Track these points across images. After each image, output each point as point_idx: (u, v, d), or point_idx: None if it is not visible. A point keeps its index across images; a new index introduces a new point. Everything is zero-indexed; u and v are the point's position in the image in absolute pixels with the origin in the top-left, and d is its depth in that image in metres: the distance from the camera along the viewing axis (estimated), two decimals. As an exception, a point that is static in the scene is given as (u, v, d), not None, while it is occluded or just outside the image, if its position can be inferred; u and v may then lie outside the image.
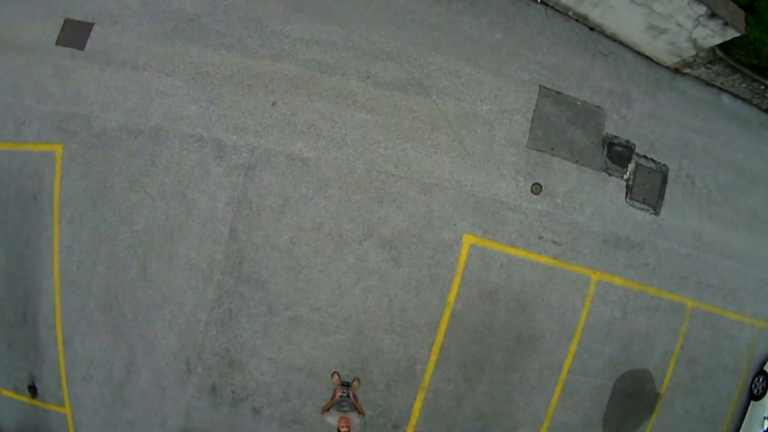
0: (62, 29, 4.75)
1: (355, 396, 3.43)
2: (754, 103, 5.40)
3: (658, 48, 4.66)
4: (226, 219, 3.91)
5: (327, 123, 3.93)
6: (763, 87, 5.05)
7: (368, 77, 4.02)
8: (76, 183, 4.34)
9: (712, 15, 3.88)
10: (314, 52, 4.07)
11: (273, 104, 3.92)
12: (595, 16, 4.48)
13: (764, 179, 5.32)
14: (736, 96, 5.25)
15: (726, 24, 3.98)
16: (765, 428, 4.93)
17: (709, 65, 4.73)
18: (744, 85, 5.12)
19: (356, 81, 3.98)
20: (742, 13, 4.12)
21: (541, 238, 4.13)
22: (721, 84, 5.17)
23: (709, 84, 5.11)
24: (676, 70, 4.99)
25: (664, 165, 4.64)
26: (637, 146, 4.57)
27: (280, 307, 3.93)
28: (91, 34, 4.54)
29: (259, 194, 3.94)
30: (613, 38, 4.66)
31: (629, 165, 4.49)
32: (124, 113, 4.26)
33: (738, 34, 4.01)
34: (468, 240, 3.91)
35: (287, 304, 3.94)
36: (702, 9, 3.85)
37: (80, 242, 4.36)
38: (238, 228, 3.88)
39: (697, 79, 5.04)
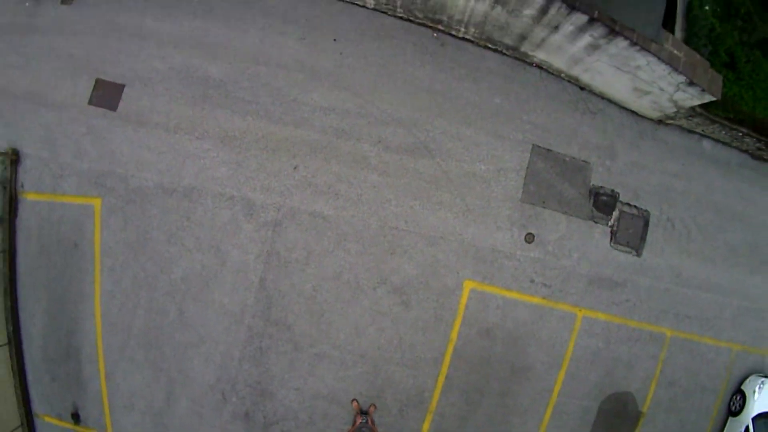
0: (94, 89, 5.86)
1: (372, 420, 4.70)
2: (734, 145, 6.68)
3: (643, 105, 5.86)
4: (256, 269, 5.17)
5: (344, 184, 5.17)
6: (741, 133, 6.30)
7: (380, 142, 5.25)
8: (116, 234, 5.53)
9: (691, 83, 5.05)
10: (331, 119, 5.26)
11: (295, 167, 5.15)
12: (585, 78, 5.67)
13: (743, 216, 6.67)
14: (716, 140, 6.51)
15: (704, 90, 5.15)
16: None
17: (689, 117, 5.94)
18: (723, 132, 6.37)
19: (369, 145, 5.21)
20: (719, 79, 5.29)
21: (533, 281, 5.45)
22: (702, 131, 6.41)
23: (690, 131, 6.35)
24: (659, 122, 6.23)
25: (646, 210, 5.92)
26: (621, 195, 5.84)
27: (305, 345, 5.23)
28: (123, 95, 5.66)
29: (285, 248, 5.21)
30: (602, 96, 5.85)
31: (614, 213, 5.77)
32: (158, 172, 5.44)
33: (715, 99, 5.19)
34: (468, 285, 5.24)
35: (311, 342, 5.27)
36: (681, 78, 5.02)
37: (121, 288, 5.59)
38: (267, 277, 5.15)
39: (679, 127, 6.28)
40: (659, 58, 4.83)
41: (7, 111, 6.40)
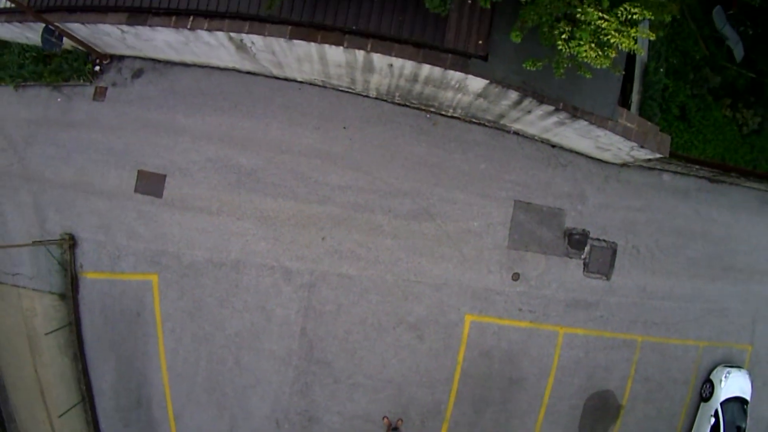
0: (138, 179, 8.50)
1: (401, 432, 7.78)
2: (692, 174, 9.66)
3: (606, 156, 8.75)
4: (297, 322, 8.07)
5: (363, 249, 8.01)
6: (696, 167, 9.25)
7: (390, 211, 8.07)
8: (174, 302, 8.34)
9: (642, 147, 7.88)
10: (348, 195, 8.03)
11: (323, 238, 7.96)
12: (555, 140, 8.50)
13: (701, 233, 9.76)
14: (675, 172, 9.45)
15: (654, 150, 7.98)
16: (712, 423, 9.72)
17: (648, 162, 8.83)
18: (679, 167, 9.31)
19: (381, 215, 8.03)
20: (668, 140, 8.09)
21: (520, 309, 8.45)
22: (661, 167, 9.32)
23: (650, 168, 9.25)
24: (622, 165, 9.10)
25: (614, 242, 8.90)
26: (591, 232, 8.79)
27: (342, 377, 8.22)
28: (166, 184, 8.30)
29: (319, 303, 8.11)
30: (570, 150, 8.67)
31: (585, 248, 8.74)
32: (207, 250, 8.19)
33: (665, 155, 8.01)
34: (469, 318, 8.22)
35: (347, 374, 8.26)
36: (634, 143, 7.82)
37: (183, 345, 8.45)
38: (307, 327, 8.05)
39: (641, 167, 9.16)
40: (614, 132, 7.66)
41: (57, 200, 9.08)
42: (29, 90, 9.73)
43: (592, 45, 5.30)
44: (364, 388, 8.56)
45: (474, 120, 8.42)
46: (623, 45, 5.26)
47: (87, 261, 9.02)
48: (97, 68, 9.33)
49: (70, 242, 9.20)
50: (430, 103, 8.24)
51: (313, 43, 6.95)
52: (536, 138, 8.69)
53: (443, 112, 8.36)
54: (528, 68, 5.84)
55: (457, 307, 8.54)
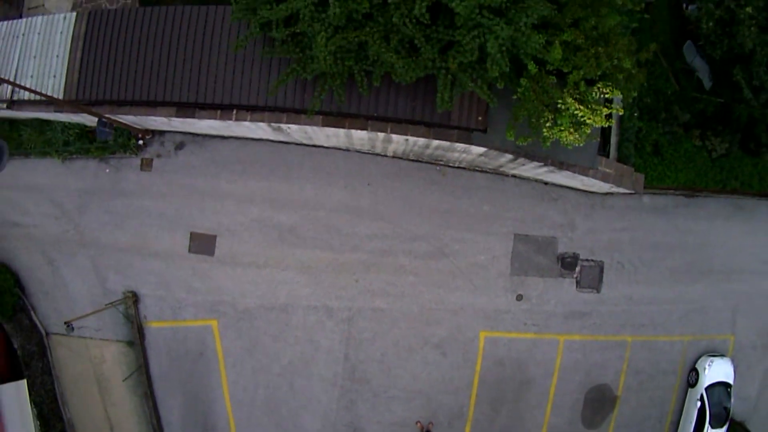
0: (191, 240, 12.07)
1: (432, 433, 11.85)
2: (669, 194, 13.58)
3: (592, 189, 12.51)
4: (340, 349, 11.97)
5: (391, 286, 11.84)
6: (671, 192, 13.16)
7: (410, 253, 11.85)
8: (233, 342, 12.10)
9: (606, 179, 11.68)
10: (375, 243, 11.76)
11: (356, 280, 11.75)
12: (547, 179, 12.21)
13: (679, 243, 13.76)
14: (654, 194, 13.34)
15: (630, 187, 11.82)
16: (698, 406, 14.00)
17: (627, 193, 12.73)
18: (657, 191, 13.21)
19: (403, 257, 11.81)
20: (642, 178, 11.88)
21: (525, 324, 12.44)
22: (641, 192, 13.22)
23: (631, 194, 13.10)
24: (607, 194, 12.92)
25: (601, 261, 12.82)
26: (581, 254, 12.68)
27: (381, 392, 12.21)
28: (216, 243, 11.89)
29: (358, 333, 11.99)
30: (561, 186, 12.42)
31: (576, 268, 12.65)
32: (258, 298, 11.89)
33: (639, 192, 11.84)
34: (483, 334, 12.19)
35: (384, 389, 12.24)
36: (612, 184, 11.58)
37: (243, 377, 12.28)
38: (348, 353, 11.95)
39: (623, 194, 13.00)
40: (595, 177, 11.39)
41: (116, 262, 12.60)
42: (76, 162, 13.08)
43: (571, 130, 8.91)
44: (398, 399, 12.56)
45: (477, 169, 12.07)
46: (596, 123, 8.87)
47: (150, 313, 12.67)
48: (141, 142, 12.69)
49: (133, 298, 12.79)
50: (439, 160, 11.88)
51: (341, 129, 10.47)
52: (531, 179, 12.40)
53: (450, 165, 12.01)
54: (520, 144, 9.44)
55: (472, 327, 12.52)
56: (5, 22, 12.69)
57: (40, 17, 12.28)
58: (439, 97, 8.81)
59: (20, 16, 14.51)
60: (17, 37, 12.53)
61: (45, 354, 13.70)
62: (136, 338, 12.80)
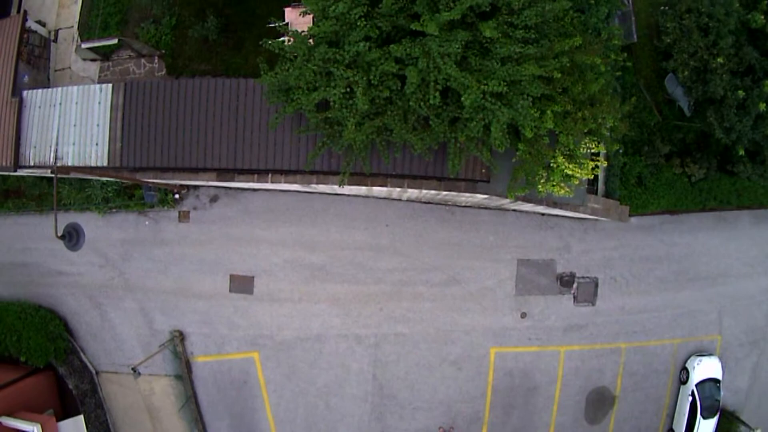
0: (231, 282, 15.80)
1: (453, 438, 15.97)
2: (656, 213, 17.57)
3: (584, 216, 16.38)
4: (369, 370, 15.97)
5: (411, 312, 15.77)
6: (658, 213, 17.15)
7: (427, 282, 15.74)
8: (274, 370, 15.99)
9: (596, 213, 15.55)
10: (395, 275, 15.64)
11: (381, 309, 15.66)
12: (544, 212, 16.05)
13: (666, 256, 17.82)
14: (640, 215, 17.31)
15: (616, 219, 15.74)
16: (690, 401, 18.33)
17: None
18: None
19: (421, 286, 15.73)
20: (627, 210, 15.81)
21: (530, 338, 16.50)
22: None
23: (620, 216, 17.06)
24: (597, 219, 16.83)
25: (595, 277, 16.84)
26: (577, 273, 16.66)
27: (406, 404, 16.28)
28: (254, 283, 15.64)
29: (384, 355, 15.98)
30: (556, 215, 16.26)
31: (573, 285, 16.62)
32: (294, 330, 15.75)
33: (624, 221, 15.80)
34: (493, 350, 16.26)
35: (409, 402, 16.28)
36: (600, 216, 15.46)
37: (284, 399, 16.21)
38: (377, 373, 15.97)
39: (612, 216, 17.00)
40: (584, 213, 15.27)
41: (161, 304, 16.26)
42: (116, 215, 16.54)
43: (562, 185, 12.63)
44: (422, 410, 16.54)
45: (481, 207, 15.82)
46: (584, 176, 12.62)
47: (197, 348, 16.37)
48: (177, 197, 16.16)
49: (180, 337, 16.47)
50: (448, 202, 15.60)
51: (363, 186, 14.07)
52: (529, 212, 16.18)
53: (458, 205, 15.75)
54: (518, 194, 13.13)
55: (483, 344, 16.42)
56: (40, 91, 15.96)
57: (75, 87, 15.55)
58: (450, 164, 12.43)
59: (48, 78, 17.74)
60: (54, 105, 15.83)
61: (96, 391, 17.40)
62: (184, 372, 16.52)
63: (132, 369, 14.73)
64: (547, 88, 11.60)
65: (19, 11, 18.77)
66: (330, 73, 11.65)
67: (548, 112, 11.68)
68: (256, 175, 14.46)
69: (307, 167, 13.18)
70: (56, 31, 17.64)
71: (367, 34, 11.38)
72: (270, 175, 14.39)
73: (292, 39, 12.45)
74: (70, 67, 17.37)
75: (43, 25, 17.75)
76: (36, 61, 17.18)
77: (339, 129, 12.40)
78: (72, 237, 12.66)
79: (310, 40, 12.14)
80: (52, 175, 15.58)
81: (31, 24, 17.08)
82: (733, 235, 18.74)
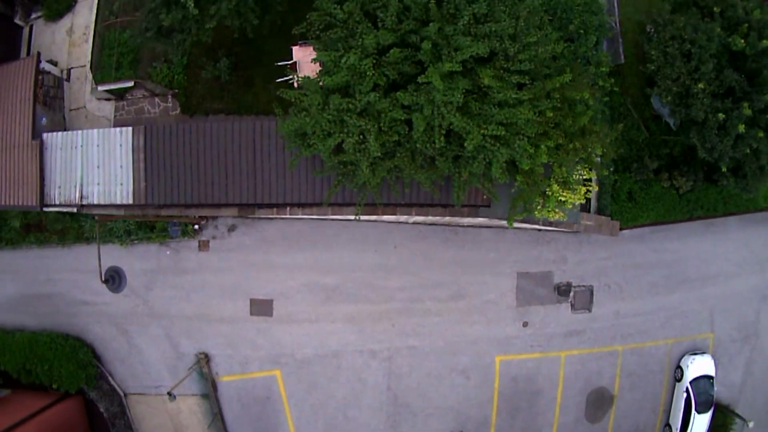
0: (251, 305, 18.66)
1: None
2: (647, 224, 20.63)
3: (579, 230, 19.46)
4: (384, 382, 19.00)
5: (421, 327, 18.76)
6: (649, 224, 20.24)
7: (434, 298, 18.70)
8: (294, 386, 18.94)
9: (589, 230, 18.59)
10: (405, 293, 18.60)
11: (393, 325, 18.63)
12: (538, 227, 19.04)
13: (656, 262, 20.91)
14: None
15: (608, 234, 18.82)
16: (685, 397, 21.62)
17: (607, 224, 19.65)
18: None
19: (429, 302, 18.71)
20: (617, 224, 18.79)
21: (532, 346, 19.56)
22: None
23: (613, 227, 20.08)
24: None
25: (591, 285, 19.90)
26: (573, 282, 19.70)
27: (419, 411, 19.34)
28: (273, 306, 18.52)
29: (398, 367, 19.00)
30: (552, 230, 19.26)
31: (570, 294, 19.66)
32: (313, 348, 18.70)
33: (615, 236, 18.90)
34: (498, 358, 19.31)
35: (422, 409, 19.33)
36: (592, 232, 18.58)
37: (305, 412, 19.19)
38: (391, 385, 19.01)
39: (605, 228, 19.99)
40: (578, 230, 18.26)
41: (186, 329, 19.08)
42: (138, 247, 19.22)
43: (557, 210, 15.59)
44: (434, 416, 19.53)
45: (483, 226, 18.72)
46: (577, 200, 15.56)
47: (221, 369, 19.20)
48: (197, 227, 18.85)
49: (206, 358, 19.28)
50: (451, 223, 18.51)
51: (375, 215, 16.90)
52: (527, 228, 19.12)
53: (461, 225, 18.64)
54: (516, 218, 16.04)
55: (489, 353, 19.38)
56: (60, 134, 18.52)
57: (96, 131, 18.09)
58: (455, 196, 15.18)
59: (63, 118, 20.18)
60: (76, 147, 18.43)
61: (125, 412, 20.21)
62: (210, 391, 19.36)
63: (168, 393, 17.49)
64: (541, 126, 14.43)
65: (29, 51, 21.25)
66: (343, 120, 14.39)
67: (542, 146, 14.50)
68: (275, 209, 17.23)
69: (325, 203, 15.94)
70: (69, 70, 20.13)
71: (376, 82, 14.12)
72: (288, 209, 17.17)
73: (302, 83, 15.13)
74: (85, 107, 19.89)
75: (55, 64, 20.19)
76: (51, 101, 19.66)
77: (353, 168, 15.16)
78: (115, 280, 15.43)
79: (321, 83, 14.81)
80: (75, 211, 18.37)
81: (44, 65, 19.50)
82: (721, 238, 21.84)
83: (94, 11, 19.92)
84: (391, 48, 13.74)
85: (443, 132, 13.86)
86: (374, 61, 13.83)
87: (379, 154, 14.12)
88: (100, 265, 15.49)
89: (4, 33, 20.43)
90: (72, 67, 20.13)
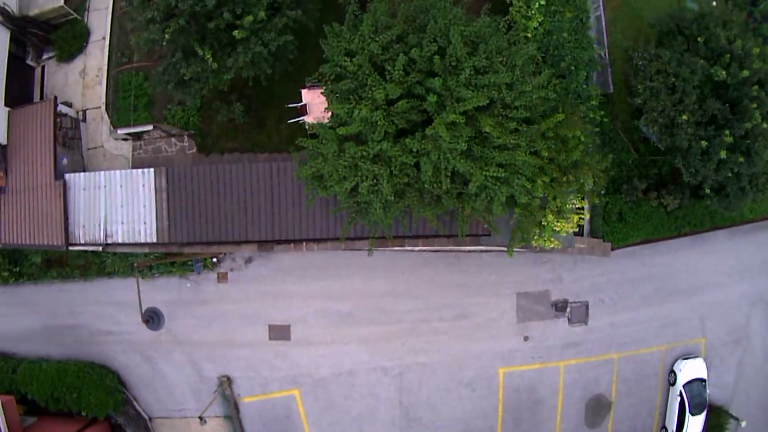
0: (269, 331, 22.07)
1: (472, 447, 22.88)
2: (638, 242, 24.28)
3: (573, 253, 22.98)
4: (396, 397, 22.59)
5: (429, 345, 22.33)
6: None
7: (440, 318, 22.25)
8: (313, 404, 22.45)
9: (582, 252, 22.21)
10: (413, 315, 22.14)
11: (403, 344, 22.18)
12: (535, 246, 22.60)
13: (648, 276, 24.55)
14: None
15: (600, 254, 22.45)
16: (679, 400, 25.48)
17: (601, 242, 23.24)
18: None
19: (436, 322, 22.27)
20: (608, 245, 22.33)
21: (532, 357, 23.22)
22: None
23: (605, 245, 23.69)
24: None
25: (586, 301, 23.58)
26: (569, 299, 23.34)
27: (429, 423, 23.01)
28: (291, 331, 21.98)
29: (408, 383, 22.59)
30: (548, 251, 22.85)
31: (567, 309, 23.29)
32: (329, 367, 22.20)
33: (607, 256, 22.54)
34: (501, 370, 22.97)
35: (432, 422, 22.95)
36: (585, 253, 22.15)
37: (323, 428, 22.74)
38: (402, 399, 22.61)
39: (598, 246, 23.58)
40: (572, 253, 21.85)
41: (208, 355, 22.44)
42: (159, 280, 22.41)
43: (552, 239, 19.10)
44: (444, 428, 23.08)
45: (483, 250, 22.20)
46: (570, 229, 19.06)
47: (243, 390, 22.56)
48: (215, 260, 22.09)
49: (228, 381, 22.63)
50: (454, 249, 22.01)
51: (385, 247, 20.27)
52: (525, 249, 22.67)
53: (463, 250, 22.11)
54: (515, 246, 19.50)
55: (493, 366, 22.95)
56: (83, 174, 21.55)
57: (119, 172, 21.17)
58: (459, 230, 18.51)
59: (81, 157, 23.13)
60: (99, 188, 21.51)
61: (151, 434, 23.64)
62: (233, 412, 22.73)
63: (199, 417, 20.77)
64: (537, 164, 17.80)
65: (42, 91, 24.09)
66: (357, 165, 17.66)
67: (539, 181, 17.90)
68: (292, 244, 20.52)
69: (341, 240, 19.25)
70: (84, 111, 23.05)
71: (386, 130, 17.36)
72: (305, 244, 20.48)
73: (318, 132, 18.33)
74: (102, 146, 22.88)
75: (70, 105, 23.07)
76: (70, 142, 22.59)
77: (366, 206, 18.49)
78: (154, 320, 18.75)
79: (335, 131, 17.99)
80: (100, 250, 21.56)
81: (61, 107, 22.41)
82: (709, 250, 25.52)
83: (106, 53, 22.87)
84: (399, 99, 16.95)
85: (448, 174, 17.16)
86: (384, 113, 17.03)
87: (392, 197, 17.38)
88: (140, 307, 18.75)
89: (17, 74, 23.20)
90: (87, 108, 23.10)
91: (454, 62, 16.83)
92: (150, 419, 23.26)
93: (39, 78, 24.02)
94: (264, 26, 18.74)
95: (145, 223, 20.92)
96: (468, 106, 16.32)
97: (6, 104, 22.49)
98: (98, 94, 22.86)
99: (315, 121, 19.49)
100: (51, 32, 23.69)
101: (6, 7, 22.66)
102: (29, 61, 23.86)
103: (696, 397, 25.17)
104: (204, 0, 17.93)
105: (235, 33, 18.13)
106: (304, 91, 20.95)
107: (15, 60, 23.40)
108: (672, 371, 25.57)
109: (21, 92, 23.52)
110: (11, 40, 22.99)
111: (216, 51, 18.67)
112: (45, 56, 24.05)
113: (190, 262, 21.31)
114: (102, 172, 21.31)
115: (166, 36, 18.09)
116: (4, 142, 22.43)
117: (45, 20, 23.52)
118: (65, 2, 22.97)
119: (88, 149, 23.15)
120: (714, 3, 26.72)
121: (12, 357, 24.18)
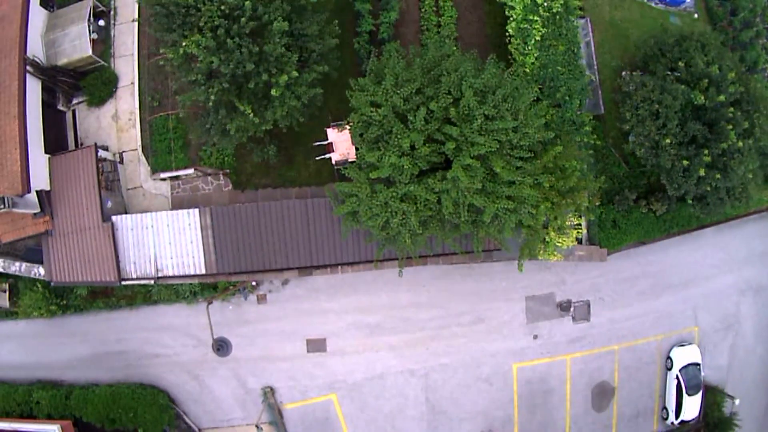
0: (307, 344, 29.70)
1: (492, 437, 31.31)
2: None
3: (573, 260, 30.97)
4: (422, 395, 30.43)
5: (450, 347, 30.19)
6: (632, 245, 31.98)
7: (459, 324, 30.09)
8: (349, 405, 30.16)
9: (582, 258, 30.25)
10: (434, 322, 29.89)
11: (427, 349, 30.06)
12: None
13: (642, 273, 32.47)
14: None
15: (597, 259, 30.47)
16: (675, 384, 33.90)
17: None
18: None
19: (455, 327, 30.13)
20: (605, 251, 29.96)
21: (542, 353, 31.28)
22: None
23: (603, 249, 31.75)
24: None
25: (587, 300, 31.68)
26: (572, 299, 31.34)
27: (454, 417, 31.04)
28: (327, 343, 29.73)
29: (433, 381, 30.41)
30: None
31: (571, 308, 31.31)
32: (362, 373, 29.91)
33: (603, 261, 30.60)
34: (515, 365, 31.06)
35: (456, 415, 31.00)
36: (584, 260, 30.16)
37: (359, 428, 30.57)
38: (428, 396, 30.52)
39: (597, 250, 31.60)
40: (572, 260, 29.72)
41: (252, 369, 29.94)
42: (202, 304, 29.66)
43: (555, 253, 26.99)
44: (467, 419, 30.89)
45: (494, 260, 29.95)
46: (569, 244, 26.96)
47: (285, 398, 30.05)
48: (254, 283, 29.32)
49: (271, 391, 30.17)
50: (468, 261, 29.73)
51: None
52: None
53: (476, 262, 29.84)
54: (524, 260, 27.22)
55: (507, 362, 30.56)
56: (129, 216, 28.26)
57: (165, 213, 27.95)
58: (475, 248, 25.96)
59: (122, 197, 29.83)
60: (147, 228, 28.41)
61: (201, 444, 31.19)
62: (278, 418, 30.32)
63: (256, 426, 28.25)
64: (540, 195, 25.45)
65: (76, 135, 30.44)
66: (387, 203, 25.10)
67: (542, 206, 25.66)
68: (329, 269, 28.01)
69: (375, 265, 26.75)
70: (121, 154, 29.63)
71: (411, 172, 24.77)
72: (340, 268, 27.98)
73: (351, 176, 25.69)
74: (141, 186, 29.65)
75: (106, 149, 29.63)
76: (111, 185, 29.22)
77: (395, 236, 26.02)
78: (222, 348, 26.22)
79: (360, 167, 25.31)
80: (153, 283, 28.78)
81: (100, 153, 29.08)
82: (698, 245, 33.70)
83: (137, 98, 29.57)
84: (422, 144, 24.28)
85: (466, 207, 24.77)
86: (410, 158, 24.42)
87: (419, 229, 24.92)
88: (212, 337, 26.15)
89: (50, 120, 29.53)
90: (124, 151, 29.75)
91: (467, 111, 23.85)
92: (200, 430, 30.88)
93: (71, 122, 30.46)
94: (296, 81, 25.23)
95: (193, 257, 27.85)
96: (481, 150, 23.37)
97: (45, 151, 28.99)
98: (133, 136, 29.52)
99: (341, 158, 26.86)
100: (80, 79, 29.98)
101: (36, 59, 28.84)
102: (60, 107, 30.16)
103: (692, 379, 33.50)
104: (243, 63, 24.29)
105: (273, 91, 24.21)
106: (329, 131, 27.90)
107: (47, 107, 29.49)
108: (669, 357, 33.91)
109: (57, 137, 29.93)
110: (42, 88, 29.30)
111: (254, 105, 25.22)
112: (75, 101, 30.46)
113: (237, 288, 28.69)
114: (148, 214, 28.00)
115: (212, 97, 24.57)
116: (47, 187, 28.93)
117: (73, 68, 29.92)
118: (93, 51, 29.41)
119: (128, 189, 29.95)
120: (696, 16, 34.52)
121: (61, 384, 31.22)
